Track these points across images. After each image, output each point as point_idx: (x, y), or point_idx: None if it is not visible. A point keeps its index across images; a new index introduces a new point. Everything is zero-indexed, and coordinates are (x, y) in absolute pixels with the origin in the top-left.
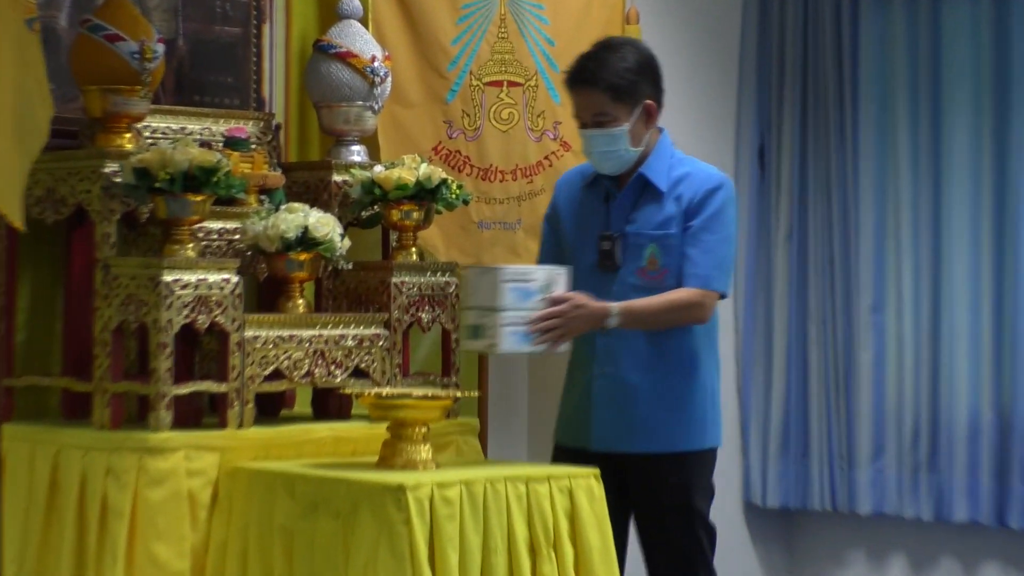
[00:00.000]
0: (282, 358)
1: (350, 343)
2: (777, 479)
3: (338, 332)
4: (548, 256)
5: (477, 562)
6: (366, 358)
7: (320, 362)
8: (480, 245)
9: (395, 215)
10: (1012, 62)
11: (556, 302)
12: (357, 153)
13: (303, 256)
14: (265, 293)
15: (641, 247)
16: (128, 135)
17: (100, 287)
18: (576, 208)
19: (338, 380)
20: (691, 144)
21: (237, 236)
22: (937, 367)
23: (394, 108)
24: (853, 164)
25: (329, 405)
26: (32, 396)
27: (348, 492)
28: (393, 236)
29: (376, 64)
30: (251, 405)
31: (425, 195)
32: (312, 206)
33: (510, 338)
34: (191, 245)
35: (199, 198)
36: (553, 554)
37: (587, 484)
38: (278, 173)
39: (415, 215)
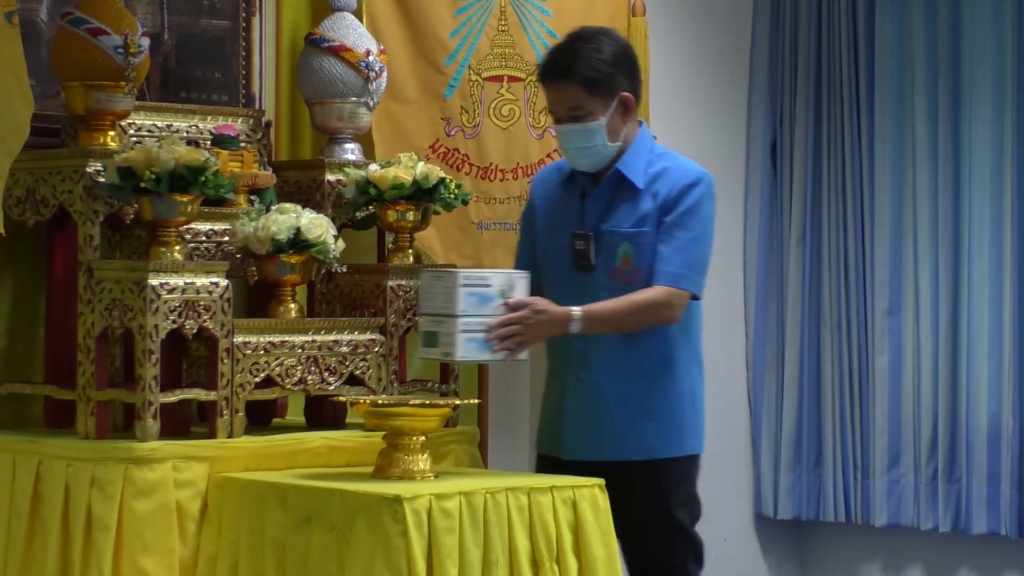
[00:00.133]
0: (273, 365)
1: (344, 349)
2: (789, 489)
3: (332, 338)
4: (525, 256)
5: None
6: (361, 364)
7: (313, 369)
8: (480, 247)
9: (391, 216)
10: None
11: (515, 308)
12: (351, 151)
13: (295, 259)
14: (256, 297)
15: (615, 246)
16: (112, 133)
17: (83, 291)
18: (552, 206)
19: (332, 387)
20: (699, 141)
21: (226, 238)
22: (956, 373)
23: (390, 104)
24: (869, 161)
25: (323, 413)
26: (13, 405)
27: (343, 504)
28: (389, 238)
29: (371, 58)
30: (241, 414)
31: (422, 195)
32: (304, 207)
33: (467, 345)
34: (178, 247)
35: (186, 199)
36: (556, 568)
37: (591, 495)
38: (269, 172)
39: (412, 216)
